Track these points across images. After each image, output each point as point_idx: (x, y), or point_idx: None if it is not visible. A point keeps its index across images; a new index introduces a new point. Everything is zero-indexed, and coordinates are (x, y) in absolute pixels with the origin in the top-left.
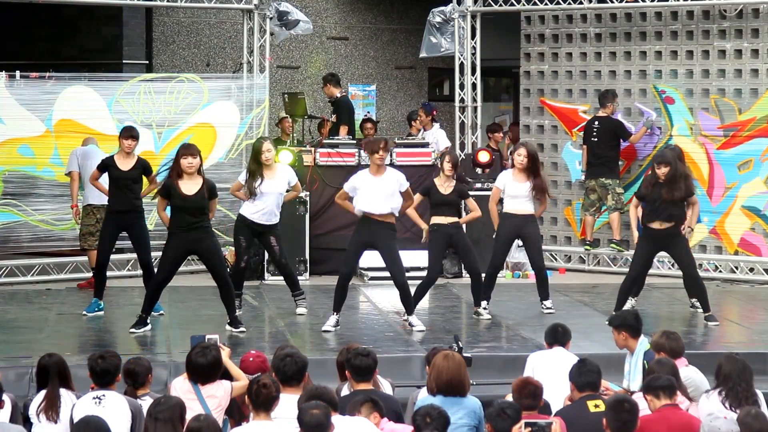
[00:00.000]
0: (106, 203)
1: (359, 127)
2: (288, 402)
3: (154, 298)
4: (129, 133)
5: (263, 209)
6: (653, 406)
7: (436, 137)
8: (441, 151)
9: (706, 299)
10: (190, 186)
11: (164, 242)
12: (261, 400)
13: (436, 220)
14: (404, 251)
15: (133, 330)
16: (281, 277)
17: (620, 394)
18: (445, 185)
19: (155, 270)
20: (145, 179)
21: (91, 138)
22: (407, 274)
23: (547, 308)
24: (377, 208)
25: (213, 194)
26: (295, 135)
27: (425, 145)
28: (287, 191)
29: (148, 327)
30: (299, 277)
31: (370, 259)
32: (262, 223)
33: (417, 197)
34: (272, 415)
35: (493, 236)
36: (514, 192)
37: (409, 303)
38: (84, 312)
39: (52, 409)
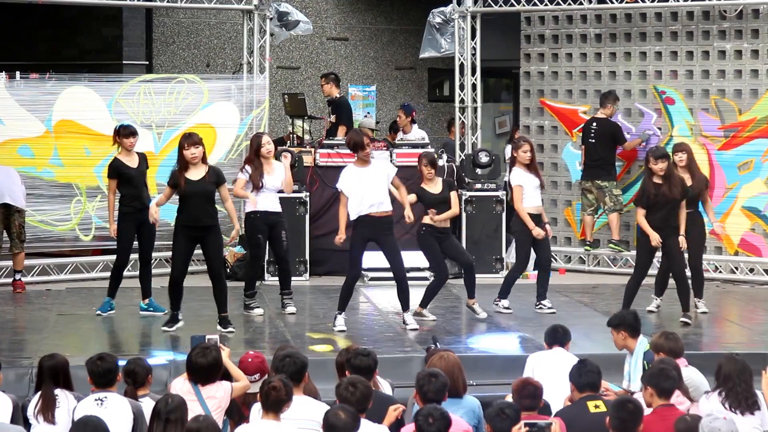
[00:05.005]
0: None
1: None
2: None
3: (175, 294)
4: (130, 131)
5: (265, 202)
6: (654, 402)
7: (422, 138)
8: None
9: (687, 299)
10: (195, 174)
11: (165, 242)
12: (270, 401)
13: (426, 220)
14: (404, 252)
15: (165, 328)
16: None
17: (626, 396)
18: (431, 185)
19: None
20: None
21: None
22: (407, 275)
23: (548, 308)
24: (370, 208)
25: (220, 180)
26: (294, 135)
27: (424, 146)
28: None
29: (180, 323)
30: (299, 278)
31: (370, 259)
32: (271, 211)
33: (412, 197)
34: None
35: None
36: (531, 189)
37: (406, 299)
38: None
39: (48, 410)
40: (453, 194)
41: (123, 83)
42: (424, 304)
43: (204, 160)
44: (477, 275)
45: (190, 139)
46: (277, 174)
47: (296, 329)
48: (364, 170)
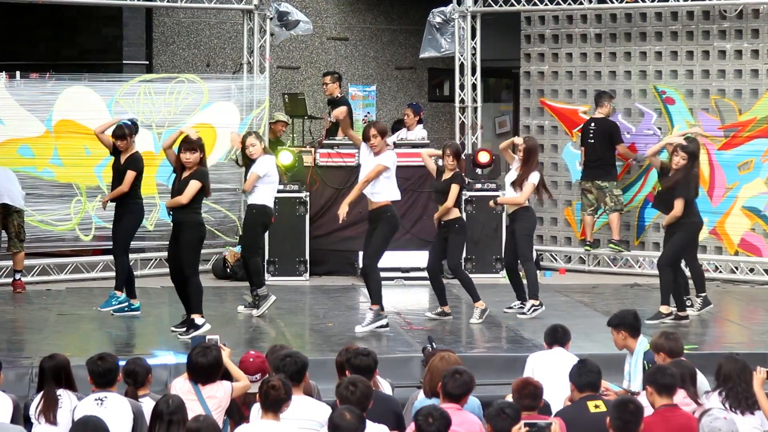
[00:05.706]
0: None
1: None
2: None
3: (180, 296)
4: (116, 134)
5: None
6: (656, 402)
7: (422, 138)
8: (443, 145)
9: (667, 295)
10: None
11: (165, 242)
12: (269, 401)
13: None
14: (404, 251)
15: (174, 329)
16: (281, 278)
17: (627, 396)
18: (446, 174)
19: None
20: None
21: None
22: (407, 274)
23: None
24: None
25: (192, 177)
26: (294, 135)
27: (425, 145)
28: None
29: (192, 329)
30: (299, 278)
31: None
32: None
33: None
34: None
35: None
36: (509, 178)
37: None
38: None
39: (50, 410)
40: (453, 186)
41: (123, 83)
42: (442, 302)
43: (202, 162)
44: (477, 275)
45: (186, 144)
46: (254, 167)
47: (296, 329)
48: (368, 157)
